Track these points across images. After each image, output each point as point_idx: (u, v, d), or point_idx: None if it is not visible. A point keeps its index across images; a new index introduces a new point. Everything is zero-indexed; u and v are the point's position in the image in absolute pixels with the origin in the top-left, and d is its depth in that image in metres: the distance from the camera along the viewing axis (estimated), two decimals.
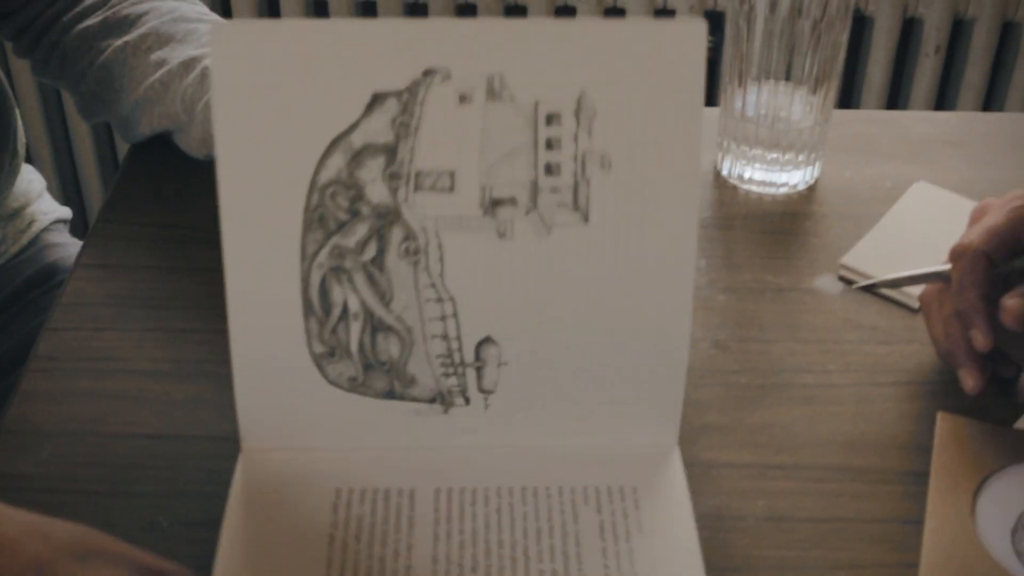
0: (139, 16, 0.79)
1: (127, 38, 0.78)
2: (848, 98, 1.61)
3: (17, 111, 0.89)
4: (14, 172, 0.90)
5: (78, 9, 0.82)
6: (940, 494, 0.56)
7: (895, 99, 1.64)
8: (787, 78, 0.77)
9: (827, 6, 0.73)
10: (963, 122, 0.90)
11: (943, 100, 1.63)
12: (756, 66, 0.77)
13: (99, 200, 1.73)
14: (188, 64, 0.75)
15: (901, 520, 0.56)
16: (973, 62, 1.57)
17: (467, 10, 1.57)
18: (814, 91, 0.77)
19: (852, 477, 0.58)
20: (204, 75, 0.73)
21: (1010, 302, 0.58)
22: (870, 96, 1.59)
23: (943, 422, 0.60)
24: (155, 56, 0.77)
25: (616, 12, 1.55)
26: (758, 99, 0.78)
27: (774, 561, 0.54)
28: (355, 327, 0.56)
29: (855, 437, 0.61)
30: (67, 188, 1.75)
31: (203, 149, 0.76)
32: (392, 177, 0.54)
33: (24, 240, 0.93)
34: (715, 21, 1.71)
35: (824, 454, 0.60)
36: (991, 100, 1.63)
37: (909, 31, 1.58)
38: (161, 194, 0.78)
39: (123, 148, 1.42)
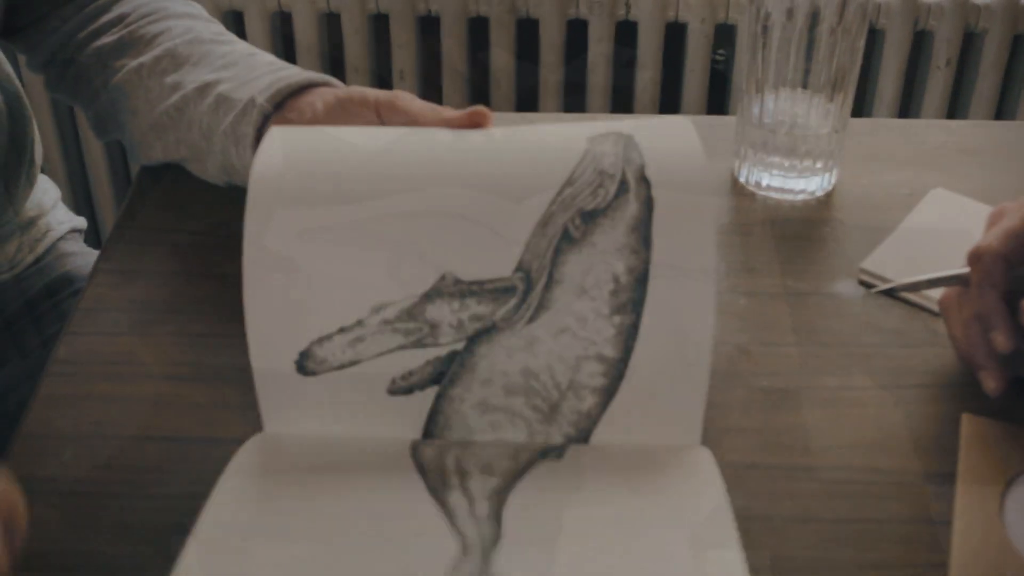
0: (155, 36, 0.79)
1: (142, 59, 0.78)
2: (860, 110, 1.62)
3: (34, 121, 0.89)
4: (31, 181, 0.90)
5: (94, 27, 0.81)
6: (968, 495, 0.56)
7: (906, 111, 1.64)
8: (804, 85, 0.77)
9: (844, 12, 0.73)
10: (977, 130, 0.90)
11: (954, 111, 1.64)
12: (773, 73, 0.77)
13: (111, 210, 1.74)
14: (203, 90, 0.74)
15: (929, 521, 0.56)
16: (984, 74, 1.57)
17: (479, 23, 1.57)
18: (831, 98, 0.77)
19: (878, 479, 0.58)
20: (219, 102, 0.73)
21: None
22: (882, 108, 1.59)
23: (968, 424, 0.60)
24: (170, 79, 0.76)
25: (628, 25, 1.56)
26: (775, 106, 0.78)
27: (803, 562, 0.54)
28: None
29: (880, 439, 0.60)
30: (79, 198, 1.76)
31: (222, 176, 0.76)
32: None
33: (40, 249, 0.93)
34: (727, 35, 1.72)
35: (849, 456, 0.59)
36: (1002, 111, 1.63)
37: (920, 44, 1.59)
38: (178, 200, 0.79)
39: None
